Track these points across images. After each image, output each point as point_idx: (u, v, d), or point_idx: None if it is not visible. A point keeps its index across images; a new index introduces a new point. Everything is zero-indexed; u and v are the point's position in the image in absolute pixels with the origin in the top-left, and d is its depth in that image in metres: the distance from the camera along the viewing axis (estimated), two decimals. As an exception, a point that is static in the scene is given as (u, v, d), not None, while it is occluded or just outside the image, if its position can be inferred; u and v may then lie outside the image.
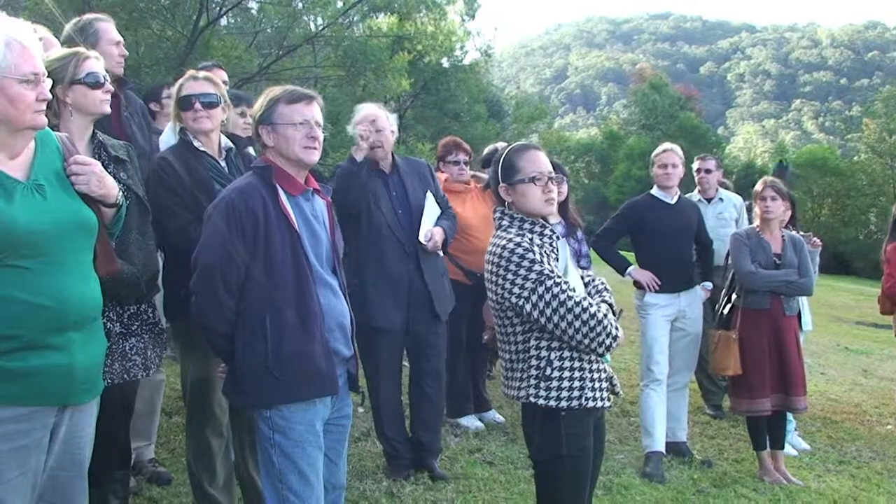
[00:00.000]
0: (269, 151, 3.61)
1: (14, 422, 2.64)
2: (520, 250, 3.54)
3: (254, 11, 18.46)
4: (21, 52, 2.70)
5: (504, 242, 3.60)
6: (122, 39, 4.87)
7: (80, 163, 2.92)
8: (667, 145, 6.79)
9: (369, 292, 5.43)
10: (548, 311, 3.49)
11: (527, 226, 3.69)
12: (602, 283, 3.96)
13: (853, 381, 10.93)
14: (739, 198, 8.27)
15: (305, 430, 3.47)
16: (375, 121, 5.54)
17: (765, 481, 6.23)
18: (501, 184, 3.75)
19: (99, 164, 3.01)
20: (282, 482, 3.45)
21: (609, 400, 3.78)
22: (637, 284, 6.61)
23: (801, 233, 6.90)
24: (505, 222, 3.74)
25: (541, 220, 3.72)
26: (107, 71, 4.62)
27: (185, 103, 4.24)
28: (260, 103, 3.64)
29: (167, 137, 4.80)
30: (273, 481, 3.48)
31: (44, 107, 2.77)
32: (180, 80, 4.36)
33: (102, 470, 3.83)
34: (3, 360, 2.61)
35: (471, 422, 6.95)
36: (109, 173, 3.67)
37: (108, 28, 4.79)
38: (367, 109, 5.69)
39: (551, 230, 3.73)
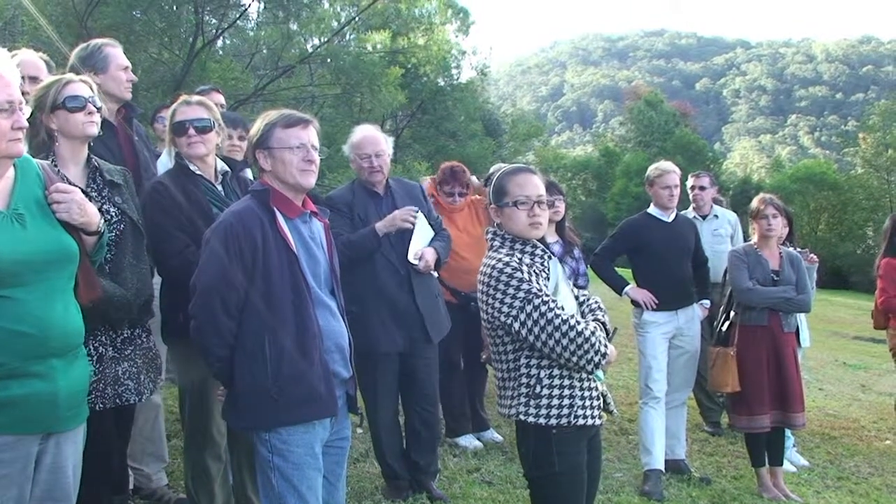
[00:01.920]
0: (267, 175, 3.63)
1: None
2: (508, 270, 3.59)
3: (250, 32, 18.55)
4: None
5: (494, 262, 3.66)
6: (129, 64, 4.87)
7: (61, 191, 2.91)
8: (667, 165, 6.74)
9: (370, 318, 5.38)
10: (535, 330, 3.54)
11: (518, 246, 3.75)
12: (596, 302, 3.98)
13: (851, 396, 10.94)
14: (734, 214, 8.30)
15: (304, 452, 3.47)
16: (378, 148, 5.53)
17: (764, 498, 6.22)
18: (491, 205, 3.81)
19: (80, 191, 3.00)
20: None
21: (601, 418, 3.81)
22: (635, 303, 6.59)
23: (799, 248, 6.92)
24: (497, 242, 3.79)
25: (532, 241, 3.76)
26: (114, 96, 4.68)
27: (178, 129, 4.24)
28: (256, 127, 3.66)
29: (164, 161, 4.81)
30: None
31: (20, 135, 2.75)
32: (174, 105, 4.37)
33: (99, 495, 3.82)
34: None
35: (469, 441, 6.94)
36: (104, 197, 3.70)
37: (116, 53, 4.79)
38: (366, 131, 5.66)
39: (542, 250, 3.79)
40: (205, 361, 3.57)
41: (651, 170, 6.79)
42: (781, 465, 6.49)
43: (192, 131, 4.21)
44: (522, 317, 3.55)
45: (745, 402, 6.25)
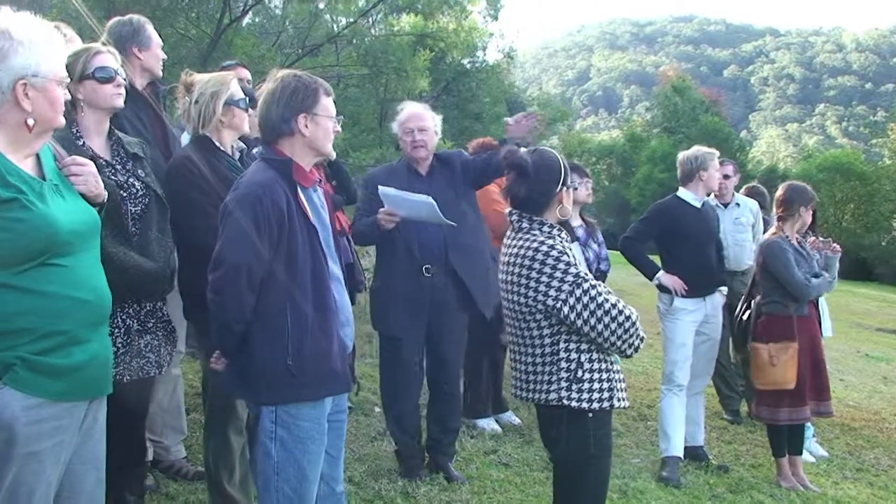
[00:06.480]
0: (293, 140, 3.47)
1: (57, 418, 2.68)
2: (555, 252, 3.58)
3: (277, 10, 18.53)
4: (60, 55, 2.75)
5: (536, 245, 3.63)
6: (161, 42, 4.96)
7: (79, 163, 2.93)
8: (714, 151, 6.61)
9: (385, 303, 5.47)
10: (585, 314, 3.53)
11: (545, 229, 3.72)
12: None
13: (873, 388, 10.87)
14: (755, 203, 8.21)
15: (311, 427, 3.43)
16: (421, 124, 5.51)
17: (782, 487, 6.20)
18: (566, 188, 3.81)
19: (93, 164, 3.01)
20: (278, 475, 3.40)
21: (628, 400, 3.83)
22: (663, 289, 6.49)
23: (822, 238, 6.86)
24: (525, 224, 3.76)
25: (557, 224, 3.76)
26: (151, 72, 4.76)
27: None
28: (292, 85, 3.47)
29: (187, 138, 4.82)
30: (268, 473, 3.42)
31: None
32: None
33: (119, 466, 3.85)
34: (50, 357, 2.64)
35: (487, 423, 6.92)
36: (129, 171, 3.74)
37: (154, 30, 4.87)
38: (413, 108, 5.66)
39: (566, 233, 3.79)
40: (216, 334, 3.44)
41: (700, 153, 6.57)
42: (801, 454, 6.46)
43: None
44: (572, 301, 3.53)
45: (788, 394, 6.11)
